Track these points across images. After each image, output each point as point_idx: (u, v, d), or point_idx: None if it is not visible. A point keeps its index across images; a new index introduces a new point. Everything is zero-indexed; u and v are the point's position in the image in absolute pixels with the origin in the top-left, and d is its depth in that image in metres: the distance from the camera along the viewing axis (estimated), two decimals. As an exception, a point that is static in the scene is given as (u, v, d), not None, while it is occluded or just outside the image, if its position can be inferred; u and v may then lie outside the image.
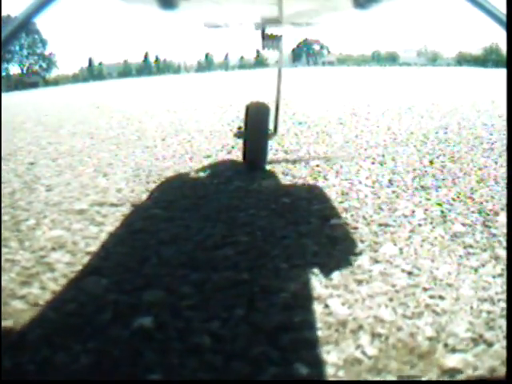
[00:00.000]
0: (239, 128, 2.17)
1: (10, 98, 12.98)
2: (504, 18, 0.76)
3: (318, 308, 0.93)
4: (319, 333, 0.84)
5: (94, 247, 1.27)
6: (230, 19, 1.88)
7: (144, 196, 1.75)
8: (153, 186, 1.90)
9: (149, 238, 1.31)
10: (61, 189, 1.90)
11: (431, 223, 1.39)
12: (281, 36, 2.10)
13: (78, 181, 2.03)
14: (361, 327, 0.86)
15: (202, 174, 2.08)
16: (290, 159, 2.34)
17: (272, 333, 0.85)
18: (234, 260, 1.16)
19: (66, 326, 0.90)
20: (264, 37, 2.08)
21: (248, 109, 2.12)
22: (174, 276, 1.08)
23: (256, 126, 2.06)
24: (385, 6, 1.33)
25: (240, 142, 2.30)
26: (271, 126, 2.24)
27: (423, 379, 0.76)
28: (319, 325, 0.87)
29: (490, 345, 0.81)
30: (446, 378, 0.74)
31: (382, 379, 0.76)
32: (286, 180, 1.93)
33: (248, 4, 1.43)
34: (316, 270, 1.09)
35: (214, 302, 0.96)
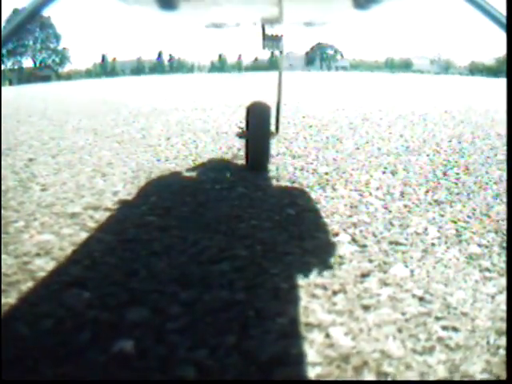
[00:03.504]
0: (241, 128, 2.11)
1: (21, 90, 12.99)
2: (504, 20, 0.72)
3: (318, 338, 0.84)
4: (318, 369, 0.75)
5: (81, 255, 1.18)
6: (231, 19, 1.82)
7: (140, 201, 1.66)
8: (151, 189, 1.81)
9: (140, 249, 1.22)
10: (56, 189, 1.82)
11: (445, 243, 1.29)
12: (281, 36, 2.04)
13: (74, 180, 1.95)
14: (365, 364, 0.77)
15: (204, 178, 1.99)
16: (297, 166, 2.25)
17: (265, 366, 0.75)
18: (229, 277, 1.06)
19: (39, 345, 0.81)
20: (264, 37, 2.03)
21: (249, 109, 2.05)
22: (162, 293, 0.99)
23: (257, 127, 2.00)
24: (386, 7, 1.27)
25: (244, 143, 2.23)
26: (273, 126, 2.16)
27: (423, 379, 0.71)
28: (318, 359, 0.77)
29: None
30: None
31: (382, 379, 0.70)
32: (292, 188, 1.84)
33: (248, 4, 1.37)
34: (319, 293, 1.00)
35: (204, 326, 0.87)
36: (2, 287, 1.01)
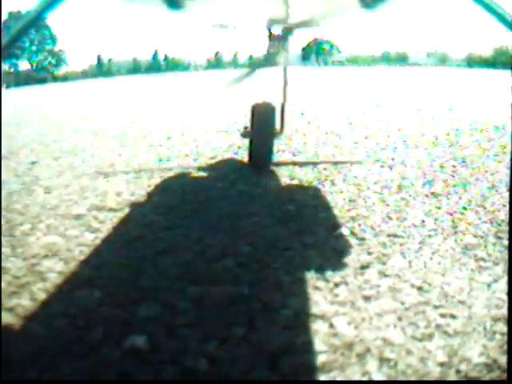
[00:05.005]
0: (245, 127, 2.14)
1: (18, 93, 12.99)
2: (510, 19, 0.73)
3: (322, 328, 0.87)
4: (323, 356, 0.78)
5: (89, 256, 1.22)
6: (237, 20, 1.84)
7: (143, 200, 1.69)
8: (153, 189, 1.84)
9: (146, 248, 1.25)
10: (60, 191, 1.85)
11: (442, 234, 1.33)
12: (287, 36, 2.07)
13: (77, 182, 1.98)
14: (368, 350, 0.80)
15: (205, 177, 2.02)
16: (296, 162, 2.28)
17: (273, 356, 0.79)
18: (234, 272, 1.10)
19: (54, 342, 0.84)
20: (271, 38, 2.05)
21: (254, 109, 2.08)
22: (170, 289, 1.02)
23: (262, 126, 2.03)
24: (392, 6, 1.29)
25: (246, 141, 2.25)
26: (277, 125, 2.19)
27: (423, 379, 0.72)
28: (323, 347, 0.81)
29: (505, 371, 0.75)
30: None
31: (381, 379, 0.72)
32: (291, 185, 1.88)
33: (255, 5, 1.39)
34: (321, 285, 1.04)
35: (212, 320, 0.90)
36: (14, 289, 1.05)
